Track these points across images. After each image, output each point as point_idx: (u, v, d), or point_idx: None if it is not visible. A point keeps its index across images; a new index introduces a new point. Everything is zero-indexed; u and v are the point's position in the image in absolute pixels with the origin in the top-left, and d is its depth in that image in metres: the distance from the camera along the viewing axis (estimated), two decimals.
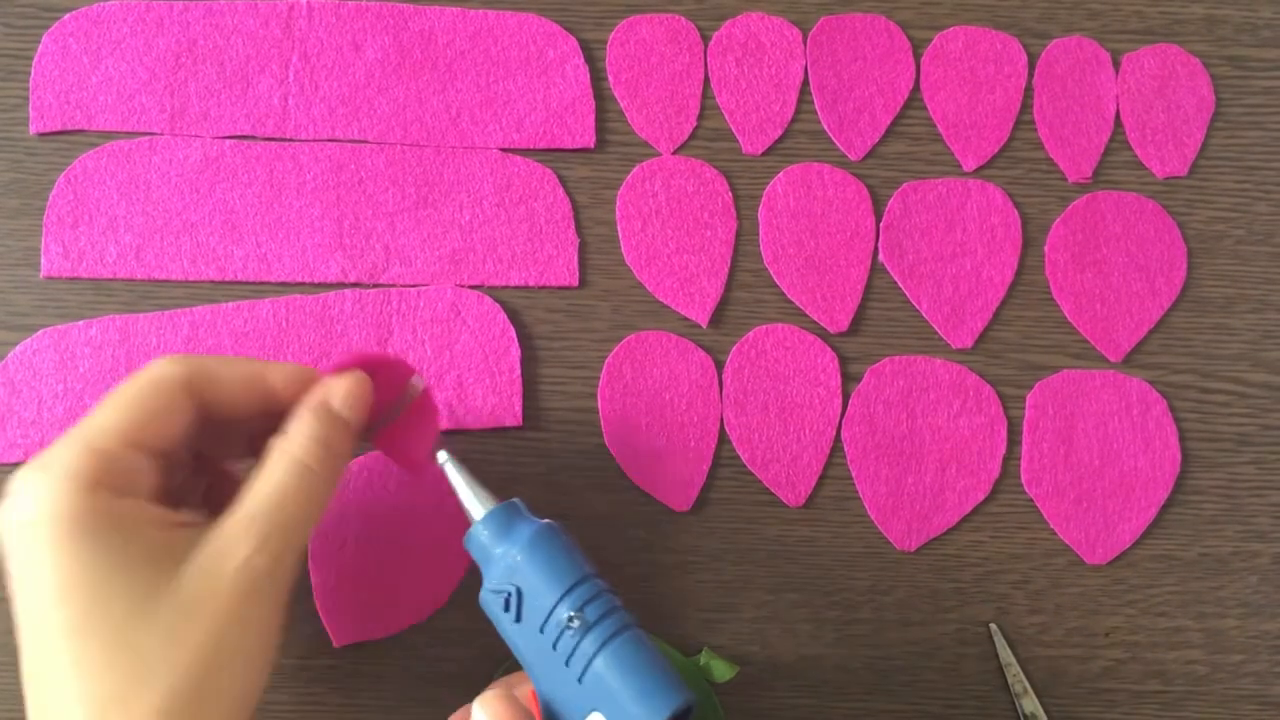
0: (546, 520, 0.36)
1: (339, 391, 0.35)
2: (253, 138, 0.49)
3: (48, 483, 0.30)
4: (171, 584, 0.30)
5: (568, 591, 0.34)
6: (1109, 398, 0.49)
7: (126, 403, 0.32)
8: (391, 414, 0.38)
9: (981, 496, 0.48)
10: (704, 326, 0.49)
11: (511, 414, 0.47)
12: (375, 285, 0.48)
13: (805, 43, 0.52)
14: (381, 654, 0.45)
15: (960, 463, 0.48)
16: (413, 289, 0.48)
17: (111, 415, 0.31)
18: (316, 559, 0.45)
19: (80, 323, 0.46)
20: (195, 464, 0.36)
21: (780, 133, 0.51)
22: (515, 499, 0.36)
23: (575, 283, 0.49)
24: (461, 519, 0.37)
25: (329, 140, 0.49)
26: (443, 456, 0.37)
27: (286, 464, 0.33)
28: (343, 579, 0.45)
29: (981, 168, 0.51)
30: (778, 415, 0.48)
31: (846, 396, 0.49)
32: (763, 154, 0.51)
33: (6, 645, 0.44)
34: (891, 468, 0.48)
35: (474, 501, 0.36)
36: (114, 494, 0.30)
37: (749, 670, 0.46)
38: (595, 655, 0.33)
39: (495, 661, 0.45)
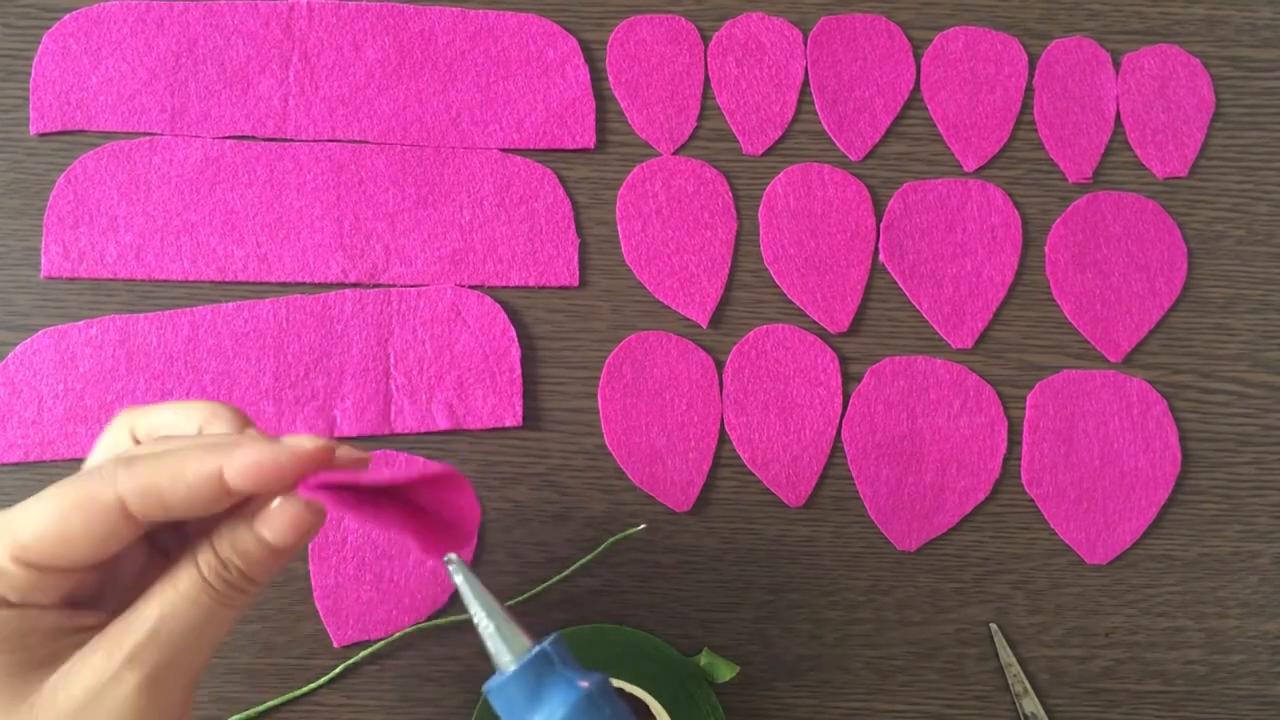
0: (586, 683, 0.28)
1: (276, 517, 0.28)
2: (253, 138, 0.49)
3: None
4: (32, 698, 0.27)
5: None
6: (1109, 398, 0.49)
7: (49, 518, 0.27)
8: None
9: (981, 496, 0.48)
10: (704, 326, 0.49)
11: (511, 414, 0.47)
12: (375, 285, 0.48)
13: (805, 43, 0.52)
14: (381, 654, 0.45)
15: (960, 463, 0.48)
16: (413, 289, 0.48)
17: (27, 526, 0.27)
18: (316, 559, 0.45)
19: (80, 323, 0.46)
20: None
21: (780, 133, 0.51)
22: (548, 644, 0.29)
23: (575, 283, 0.49)
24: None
25: (329, 140, 0.49)
26: (454, 565, 0.29)
27: (177, 588, 0.28)
28: (342, 579, 0.45)
29: (982, 168, 0.51)
30: (778, 415, 0.48)
31: (846, 396, 0.49)
32: (763, 154, 0.51)
33: None
34: (891, 468, 0.48)
35: (499, 644, 0.29)
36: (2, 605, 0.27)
37: (749, 670, 0.46)
38: None
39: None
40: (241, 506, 0.29)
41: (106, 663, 0.27)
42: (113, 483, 0.27)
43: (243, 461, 0.27)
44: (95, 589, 0.29)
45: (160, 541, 0.31)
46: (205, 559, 0.28)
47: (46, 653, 0.27)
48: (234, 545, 0.28)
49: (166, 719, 0.28)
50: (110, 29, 0.49)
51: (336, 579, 0.45)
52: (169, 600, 0.28)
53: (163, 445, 0.29)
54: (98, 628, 0.28)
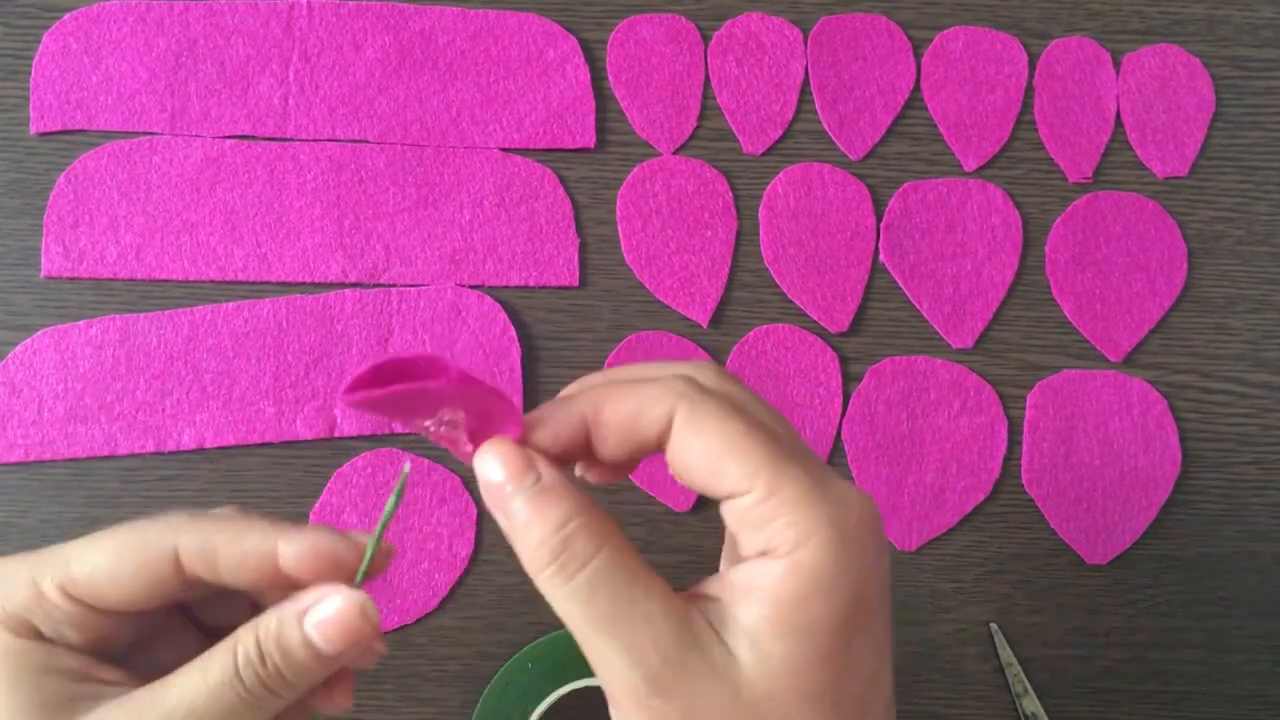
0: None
1: (322, 614, 0.26)
2: (253, 138, 0.49)
3: None
4: None
5: None
6: (1109, 398, 0.49)
7: (105, 555, 0.27)
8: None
9: (981, 496, 0.48)
10: (704, 326, 0.49)
11: None
12: (375, 285, 0.48)
13: (805, 43, 0.52)
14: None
15: (960, 463, 0.48)
16: (413, 289, 0.48)
17: (81, 560, 0.27)
18: None
19: (80, 323, 0.46)
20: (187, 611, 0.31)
21: (780, 133, 0.51)
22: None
23: (575, 283, 0.49)
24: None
25: (329, 140, 0.49)
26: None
27: (206, 676, 0.26)
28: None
29: (982, 168, 0.51)
30: None
31: (847, 396, 0.49)
32: (763, 154, 0.51)
33: None
34: (891, 468, 0.48)
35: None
36: (30, 634, 0.27)
37: None
38: None
39: (486, 676, 0.45)
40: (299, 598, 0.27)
41: None
42: (172, 533, 0.27)
43: (300, 544, 0.26)
44: (124, 649, 0.29)
45: (213, 626, 0.30)
46: (245, 645, 0.26)
47: (59, 696, 0.26)
48: (279, 637, 0.26)
49: None
50: (110, 29, 0.49)
51: None
52: (193, 687, 0.26)
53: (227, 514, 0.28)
54: (118, 684, 0.27)
